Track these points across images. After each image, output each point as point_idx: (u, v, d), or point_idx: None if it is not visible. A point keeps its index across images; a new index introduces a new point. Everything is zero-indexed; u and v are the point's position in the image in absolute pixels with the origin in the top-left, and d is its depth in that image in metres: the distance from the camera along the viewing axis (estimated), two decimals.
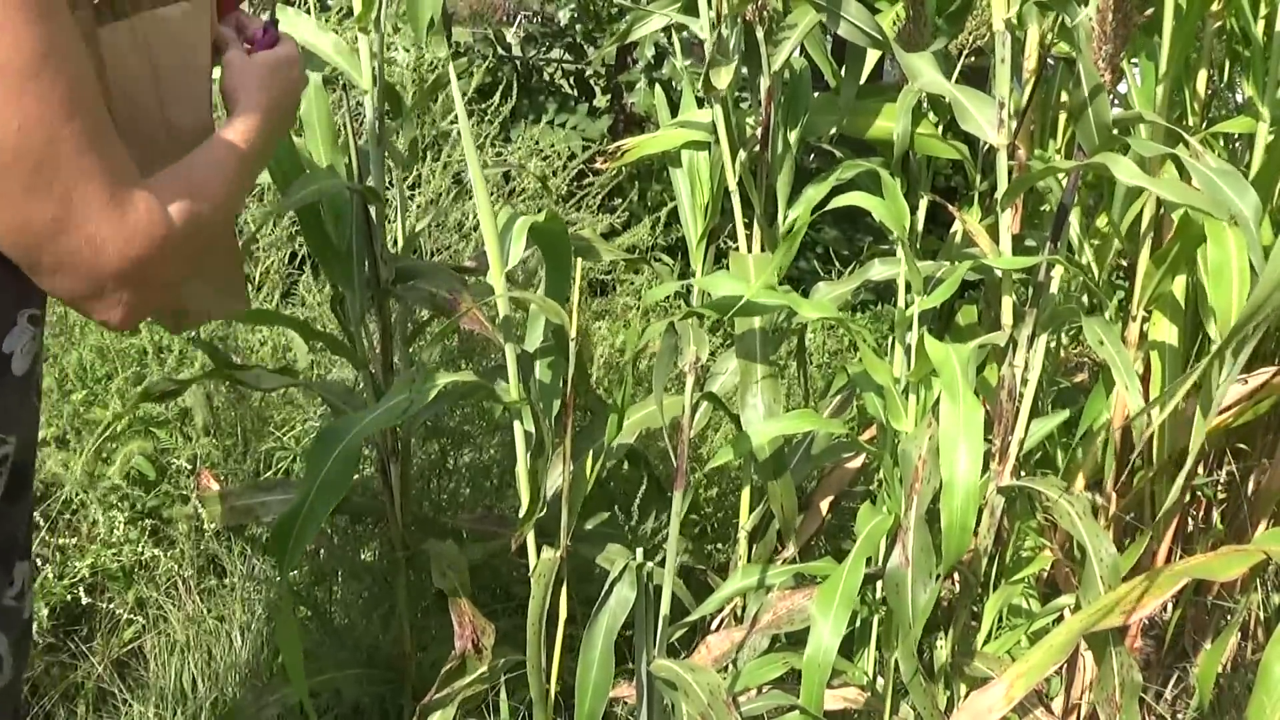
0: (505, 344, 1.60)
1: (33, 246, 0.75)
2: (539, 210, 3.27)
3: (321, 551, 2.22)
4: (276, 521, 1.41)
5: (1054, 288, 1.61)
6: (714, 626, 1.82)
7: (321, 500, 1.39)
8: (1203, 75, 1.85)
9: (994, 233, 1.62)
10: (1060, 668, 1.90)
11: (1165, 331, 1.79)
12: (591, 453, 1.66)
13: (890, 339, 1.69)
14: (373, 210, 1.68)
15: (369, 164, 1.69)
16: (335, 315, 1.77)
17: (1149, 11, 1.74)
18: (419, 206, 3.07)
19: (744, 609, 1.78)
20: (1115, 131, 1.53)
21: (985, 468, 1.66)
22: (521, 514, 1.61)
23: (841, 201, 1.60)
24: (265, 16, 1.07)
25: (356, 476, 2.35)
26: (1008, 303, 1.62)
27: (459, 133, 3.23)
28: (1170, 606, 2.01)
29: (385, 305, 1.73)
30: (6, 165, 0.72)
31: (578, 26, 4.78)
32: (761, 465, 1.66)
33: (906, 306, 1.57)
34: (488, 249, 1.58)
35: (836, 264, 3.90)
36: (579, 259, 1.60)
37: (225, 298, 1.19)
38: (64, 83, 0.73)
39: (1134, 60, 1.89)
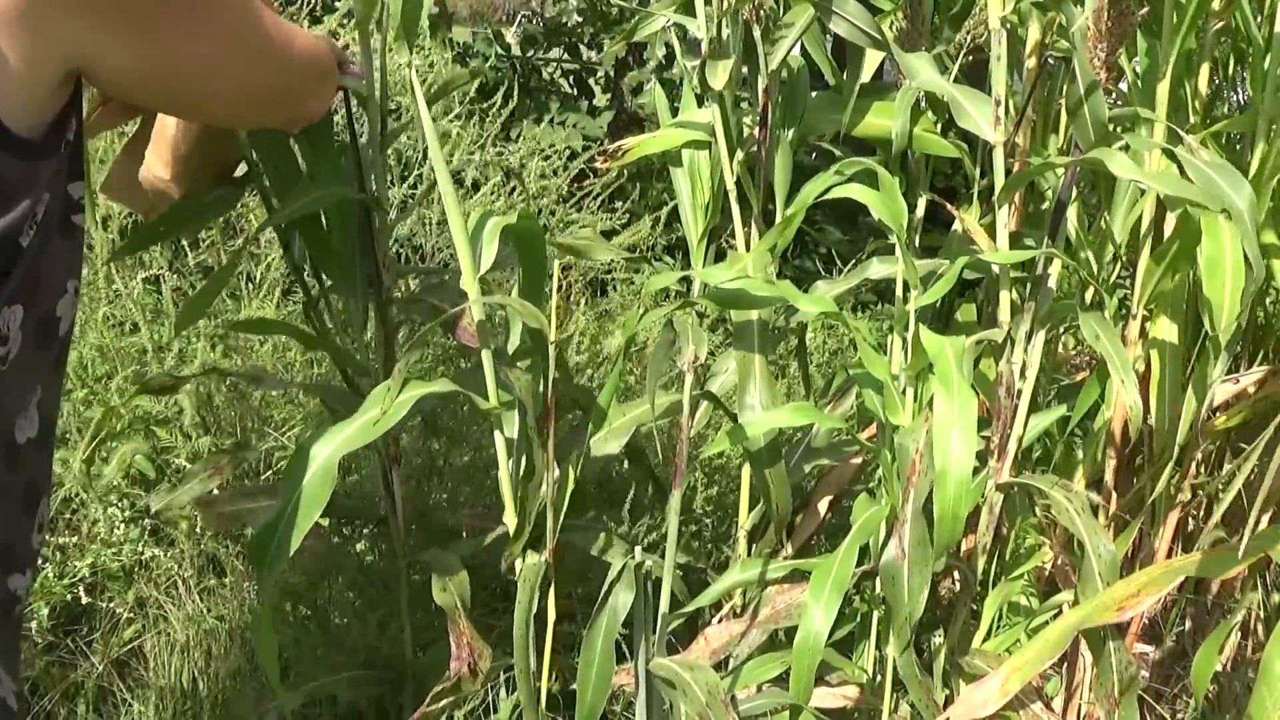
0: (482, 350, 1.58)
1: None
2: (540, 211, 3.27)
3: (320, 553, 2.22)
4: (255, 533, 1.39)
5: (1052, 283, 1.61)
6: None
7: (302, 514, 1.37)
8: (1204, 74, 1.85)
9: (992, 230, 1.62)
10: (1061, 667, 1.90)
11: (1166, 329, 1.78)
12: (576, 453, 1.64)
13: (890, 338, 1.69)
14: (375, 218, 1.66)
15: (370, 170, 1.66)
16: (307, 318, 1.72)
17: (1145, 10, 1.74)
18: (422, 208, 3.08)
19: (743, 609, 1.78)
20: (1114, 129, 1.52)
21: (983, 464, 1.66)
22: (511, 530, 1.60)
23: (839, 193, 1.59)
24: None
25: (355, 478, 2.36)
26: (1005, 299, 1.62)
27: (457, 134, 3.24)
28: (1170, 606, 2.01)
29: (388, 314, 1.71)
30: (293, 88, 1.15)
31: (585, 28, 4.78)
32: (755, 455, 1.64)
33: (905, 303, 1.56)
34: (459, 253, 1.53)
35: (839, 264, 3.90)
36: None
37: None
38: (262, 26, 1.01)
39: (1135, 58, 1.89)
